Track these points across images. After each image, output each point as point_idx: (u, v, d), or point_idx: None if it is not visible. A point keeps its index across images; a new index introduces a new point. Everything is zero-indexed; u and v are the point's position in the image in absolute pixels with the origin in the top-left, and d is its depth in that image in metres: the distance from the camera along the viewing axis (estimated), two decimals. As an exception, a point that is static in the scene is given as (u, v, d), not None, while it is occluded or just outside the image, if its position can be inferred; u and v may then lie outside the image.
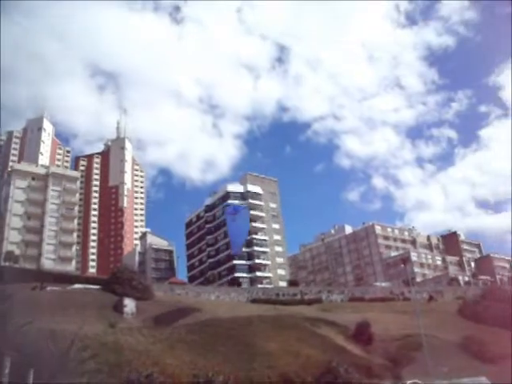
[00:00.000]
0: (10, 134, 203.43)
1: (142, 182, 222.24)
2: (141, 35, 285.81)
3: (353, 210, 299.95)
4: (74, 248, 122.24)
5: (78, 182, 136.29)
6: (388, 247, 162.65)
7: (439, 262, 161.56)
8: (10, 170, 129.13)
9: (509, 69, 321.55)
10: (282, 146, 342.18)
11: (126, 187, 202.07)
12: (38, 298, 55.89)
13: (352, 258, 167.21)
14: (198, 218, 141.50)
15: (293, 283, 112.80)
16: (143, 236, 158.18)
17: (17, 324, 29.50)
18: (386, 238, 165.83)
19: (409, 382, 49.42)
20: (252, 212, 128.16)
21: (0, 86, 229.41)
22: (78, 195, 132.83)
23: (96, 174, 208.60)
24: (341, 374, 46.28)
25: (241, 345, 52.78)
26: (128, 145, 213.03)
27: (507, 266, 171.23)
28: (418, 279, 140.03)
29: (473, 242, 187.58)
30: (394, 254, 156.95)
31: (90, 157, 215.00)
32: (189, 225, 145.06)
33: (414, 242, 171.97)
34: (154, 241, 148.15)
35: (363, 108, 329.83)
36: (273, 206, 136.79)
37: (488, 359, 59.69)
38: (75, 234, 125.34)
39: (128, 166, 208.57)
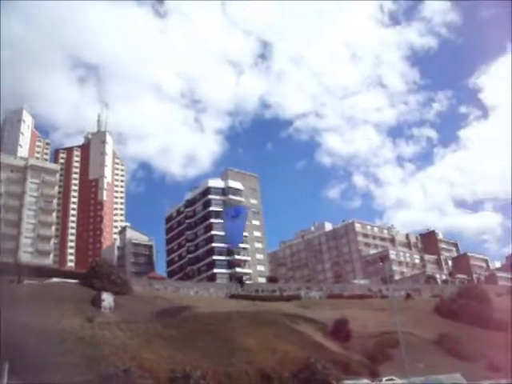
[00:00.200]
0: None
1: (122, 176, 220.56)
2: (123, 28, 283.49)
3: (333, 207, 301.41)
4: (52, 241, 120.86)
5: (58, 175, 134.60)
6: (367, 245, 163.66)
7: (417, 261, 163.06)
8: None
9: (489, 71, 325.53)
10: (264, 142, 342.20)
11: (105, 181, 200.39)
12: (14, 292, 55.25)
13: (331, 255, 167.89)
14: (178, 212, 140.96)
15: (272, 279, 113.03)
16: (122, 230, 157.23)
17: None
18: (366, 235, 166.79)
19: (385, 378, 50.01)
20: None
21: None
22: (57, 188, 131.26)
23: (76, 167, 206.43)
24: (318, 370, 46.60)
25: (219, 340, 52.84)
26: (109, 138, 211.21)
27: (484, 265, 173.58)
28: (397, 277, 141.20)
29: (450, 241, 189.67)
30: (372, 251, 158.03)
31: (69, 149, 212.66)
32: (169, 220, 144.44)
33: (392, 241, 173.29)
34: (134, 235, 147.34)
35: (345, 106, 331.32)
36: (253, 202, 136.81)
37: (463, 356, 60.69)
38: (53, 228, 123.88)
39: (108, 160, 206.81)
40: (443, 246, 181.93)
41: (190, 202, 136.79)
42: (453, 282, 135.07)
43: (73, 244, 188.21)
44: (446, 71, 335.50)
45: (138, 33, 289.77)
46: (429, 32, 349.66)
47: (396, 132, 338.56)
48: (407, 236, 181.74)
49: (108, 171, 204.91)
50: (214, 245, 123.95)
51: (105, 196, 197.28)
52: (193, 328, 55.40)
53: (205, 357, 47.03)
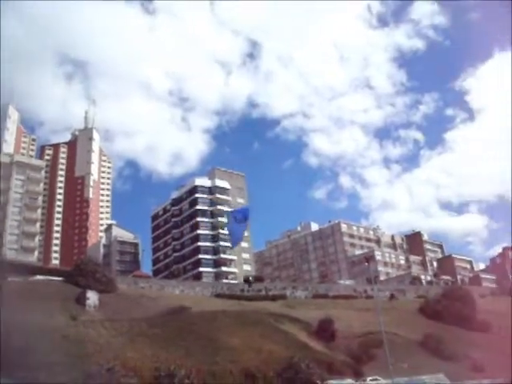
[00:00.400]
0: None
1: (108, 174, 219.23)
2: (112, 25, 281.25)
3: (319, 207, 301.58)
4: (37, 238, 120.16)
5: (43, 172, 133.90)
6: (353, 245, 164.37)
7: (403, 262, 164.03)
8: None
9: (475, 74, 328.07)
10: (251, 141, 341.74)
11: (92, 178, 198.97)
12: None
13: (317, 255, 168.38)
14: (165, 211, 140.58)
15: (258, 279, 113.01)
16: (108, 228, 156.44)
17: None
18: (352, 236, 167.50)
19: (369, 378, 50.26)
20: (219, 207, 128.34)
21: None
22: (42, 185, 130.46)
23: (62, 164, 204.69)
24: (302, 369, 46.67)
25: (204, 339, 52.79)
26: (96, 135, 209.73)
27: (468, 266, 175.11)
28: (382, 278, 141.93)
29: (435, 242, 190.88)
30: (358, 252, 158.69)
31: (56, 146, 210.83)
32: (155, 218, 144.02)
33: (378, 241, 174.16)
34: (120, 233, 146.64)
35: (332, 107, 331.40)
36: (240, 201, 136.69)
37: (447, 357, 61.21)
38: (38, 225, 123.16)
39: (95, 157, 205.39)
40: (428, 247, 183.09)
41: (177, 201, 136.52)
42: (437, 283, 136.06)
43: (58, 241, 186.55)
44: (433, 73, 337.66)
45: (126, 31, 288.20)
46: (416, 34, 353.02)
47: (383, 133, 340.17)
48: (393, 237, 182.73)
49: (94, 168, 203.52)
50: (200, 243, 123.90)
51: (91, 193, 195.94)
52: (177, 327, 55.29)
53: (189, 355, 46.98)
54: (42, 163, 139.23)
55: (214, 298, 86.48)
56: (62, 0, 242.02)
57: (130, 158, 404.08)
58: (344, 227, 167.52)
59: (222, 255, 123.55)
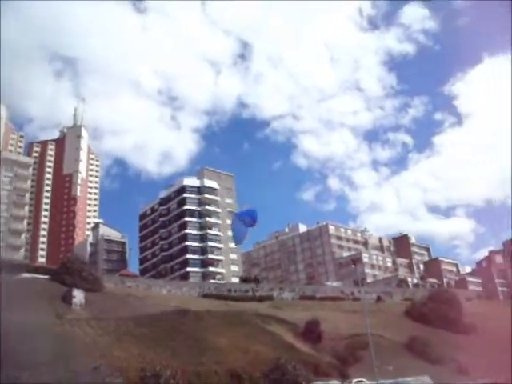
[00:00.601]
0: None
1: (96, 172, 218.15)
2: (103, 23, 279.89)
3: (307, 209, 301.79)
4: (24, 236, 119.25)
5: (31, 169, 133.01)
6: (340, 247, 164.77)
7: (390, 264, 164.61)
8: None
9: (464, 79, 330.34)
10: (240, 142, 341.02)
11: (80, 176, 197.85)
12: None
13: (305, 257, 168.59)
14: (153, 210, 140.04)
15: (245, 280, 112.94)
16: (95, 226, 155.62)
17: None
18: (339, 238, 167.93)
19: (355, 380, 50.43)
20: (207, 207, 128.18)
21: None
22: (29, 182, 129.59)
23: (50, 162, 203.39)
24: (289, 370, 46.77)
25: (190, 339, 52.71)
26: (84, 133, 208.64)
27: (454, 269, 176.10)
28: (369, 280, 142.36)
29: (422, 245, 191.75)
30: (346, 254, 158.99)
31: (44, 143, 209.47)
32: (143, 217, 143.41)
33: (366, 244, 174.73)
34: (107, 232, 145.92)
35: (322, 109, 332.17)
36: (228, 201, 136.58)
37: (432, 359, 61.61)
38: (25, 222, 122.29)
39: (83, 155, 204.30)
40: (415, 250, 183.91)
41: (165, 200, 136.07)
42: (424, 285, 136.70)
43: (45, 239, 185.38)
44: (422, 77, 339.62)
45: (117, 29, 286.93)
46: (407, 38, 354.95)
47: (372, 136, 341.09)
48: (380, 239, 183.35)
49: (82, 166, 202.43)
50: (187, 243, 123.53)
51: (78, 191, 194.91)
52: (164, 327, 55.13)
53: (175, 356, 46.89)
54: (29, 160, 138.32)
55: (201, 298, 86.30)
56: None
57: (118, 156, 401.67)
58: (332, 229, 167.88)
59: (210, 255, 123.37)
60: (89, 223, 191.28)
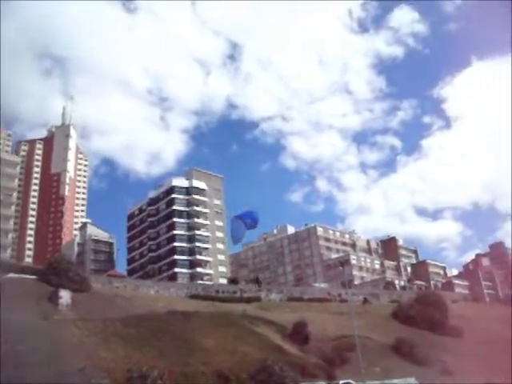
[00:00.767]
0: None
1: (85, 171, 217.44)
2: (92, 22, 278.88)
3: (296, 210, 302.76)
4: (11, 236, 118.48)
5: (18, 168, 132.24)
6: (329, 249, 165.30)
7: (377, 266, 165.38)
8: None
9: (453, 82, 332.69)
10: (229, 143, 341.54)
11: (68, 175, 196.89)
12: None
13: (293, 258, 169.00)
14: (141, 210, 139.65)
15: (233, 281, 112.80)
16: (83, 226, 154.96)
17: None
18: (327, 239, 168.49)
19: (342, 381, 50.51)
20: (196, 208, 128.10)
21: None
22: (17, 181, 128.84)
23: (37, 161, 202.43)
24: (275, 372, 46.75)
25: (178, 340, 52.58)
26: (73, 132, 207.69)
27: (441, 272, 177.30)
28: (357, 282, 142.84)
29: (410, 247, 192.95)
30: (334, 256, 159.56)
31: (32, 142, 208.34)
32: (131, 217, 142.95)
33: (353, 246, 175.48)
34: (94, 232, 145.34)
35: (311, 111, 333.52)
36: (217, 202, 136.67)
37: (418, 361, 61.90)
38: (12, 221, 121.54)
39: (71, 154, 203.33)
40: (403, 252, 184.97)
41: (154, 201, 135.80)
42: (411, 287, 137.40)
43: (31, 239, 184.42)
44: (411, 81, 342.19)
45: (107, 27, 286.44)
46: (396, 41, 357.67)
47: (360, 138, 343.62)
48: (368, 242, 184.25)
49: (71, 166, 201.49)
50: (175, 244, 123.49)
51: (66, 191, 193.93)
52: (152, 327, 54.96)
53: (162, 356, 46.74)
54: (17, 159, 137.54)
55: (188, 298, 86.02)
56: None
57: (107, 156, 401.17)
58: (320, 231, 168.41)
59: (198, 256, 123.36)
60: (76, 223, 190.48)
